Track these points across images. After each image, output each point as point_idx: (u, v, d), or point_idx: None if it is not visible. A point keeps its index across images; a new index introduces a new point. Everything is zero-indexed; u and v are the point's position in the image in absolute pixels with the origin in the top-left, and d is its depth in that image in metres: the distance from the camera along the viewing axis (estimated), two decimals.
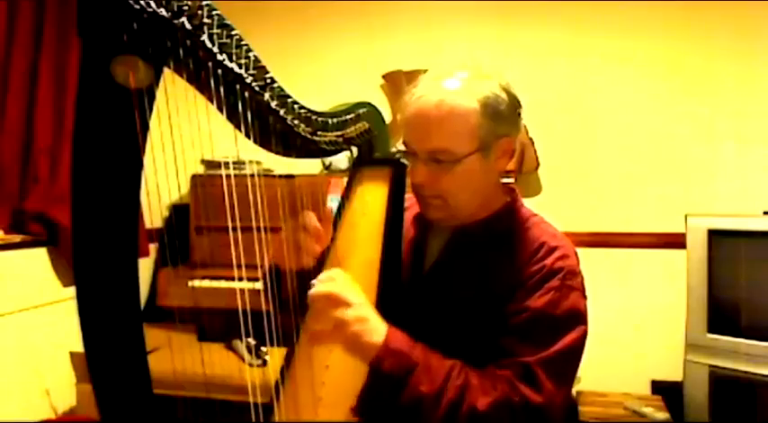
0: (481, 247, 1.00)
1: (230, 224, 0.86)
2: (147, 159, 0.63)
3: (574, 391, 2.33)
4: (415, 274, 1.05)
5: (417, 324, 0.97)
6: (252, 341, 1.93)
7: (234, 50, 0.70)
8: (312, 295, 0.84)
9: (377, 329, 0.85)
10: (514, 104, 0.97)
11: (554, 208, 2.61)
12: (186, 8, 0.63)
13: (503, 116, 0.94)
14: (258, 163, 1.99)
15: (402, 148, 1.00)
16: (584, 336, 0.93)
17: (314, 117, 0.89)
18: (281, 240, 0.98)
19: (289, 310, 0.93)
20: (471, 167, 0.94)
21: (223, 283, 2.24)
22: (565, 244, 0.98)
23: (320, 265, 0.98)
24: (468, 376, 0.87)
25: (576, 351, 0.92)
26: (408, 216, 1.11)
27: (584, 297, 0.96)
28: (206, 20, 0.66)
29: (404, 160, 1.00)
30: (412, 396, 0.83)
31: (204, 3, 0.66)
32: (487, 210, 1.03)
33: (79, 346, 0.60)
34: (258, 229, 0.87)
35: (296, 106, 0.84)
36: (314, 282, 0.86)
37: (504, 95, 0.94)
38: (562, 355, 0.89)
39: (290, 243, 0.97)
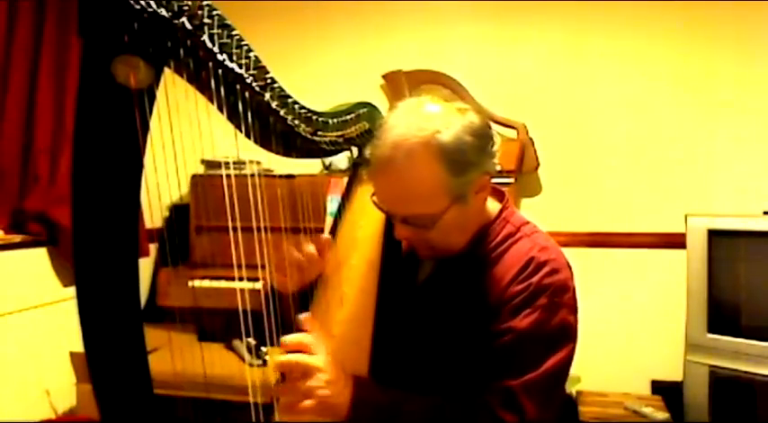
0: (474, 261, 0.98)
1: (230, 224, 0.86)
2: (147, 159, 0.62)
3: (574, 391, 2.33)
4: (409, 285, 1.03)
5: (410, 336, 0.97)
6: (252, 341, 1.93)
7: (234, 51, 0.70)
8: (279, 364, 0.80)
9: (345, 387, 0.83)
10: (483, 143, 0.90)
11: (554, 208, 2.64)
12: (187, 8, 0.63)
13: (471, 163, 0.88)
14: (258, 163, 1.99)
15: None
16: (571, 354, 0.92)
17: (314, 117, 0.89)
18: (279, 263, 0.97)
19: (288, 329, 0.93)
20: (451, 218, 0.90)
21: (223, 283, 2.24)
22: (555, 257, 0.95)
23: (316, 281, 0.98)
24: (445, 414, 0.86)
25: (561, 371, 0.91)
26: None
27: (575, 312, 0.94)
28: (206, 20, 0.66)
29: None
30: None
31: (205, 3, 0.66)
32: (480, 225, 1.00)
33: (79, 346, 0.60)
34: (258, 228, 0.87)
35: (296, 106, 0.85)
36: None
37: (468, 138, 0.87)
38: (547, 376, 0.88)
39: (287, 265, 0.95)
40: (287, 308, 0.94)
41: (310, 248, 0.96)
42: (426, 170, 0.86)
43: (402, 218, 0.92)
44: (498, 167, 0.95)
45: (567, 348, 0.91)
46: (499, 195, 1.04)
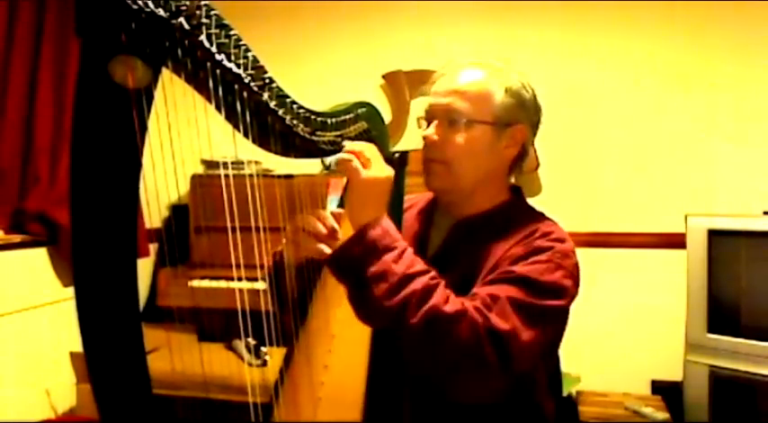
0: (480, 236, 1.01)
1: (230, 224, 0.86)
2: (146, 159, 0.62)
3: (574, 391, 2.33)
4: None
5: None
6: (252, 341, 1.93)
7: (232, 50, 0.70)
8: (349, 147, 0.91)
9: (382, 198, 0.90)
10: (537, 105, 1.05)
11: (554, 208, 2.60)
12: (184, 8, 0.63)
13: (524, 104, 1.02)
14: (257, 163, 1.99)
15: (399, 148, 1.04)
16: (562, 311, 0.92)
17: (313, 117, 0.89)
18: (282, 239, 0.98)
19: (288, 310, 0.93)
20: (481, 137, 0.99)
21: (223, 283, 2.24)
22: (563, 236, 0.98)
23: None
24: (440, 284, 0.86)
25: (551, 314, 0.89)
26: (412, 213, 1.13)
27: (573, 279, 0.94)
28: (204, 20, 0.66)
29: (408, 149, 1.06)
30: (380, 270, 0.82)
31: (202, 3, 0.65)
32: (491, 202, 1.04)
33: (79, 346, 0.60)
34: (257, 229, 0.87)
35: (295, 106, 0.84)
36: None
37: (529, 90, 1.03)
38: (536, 307, 0.87)
39: (289, 242, 0.96)
40: (285, 285, 0.93)
41: (312, 222, 0.95)
42: (489, 81, 1.01)
43: (446, 109, 1.00)
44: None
45: (559, 303, 0.90)
46: (516, 190, 1.12)
